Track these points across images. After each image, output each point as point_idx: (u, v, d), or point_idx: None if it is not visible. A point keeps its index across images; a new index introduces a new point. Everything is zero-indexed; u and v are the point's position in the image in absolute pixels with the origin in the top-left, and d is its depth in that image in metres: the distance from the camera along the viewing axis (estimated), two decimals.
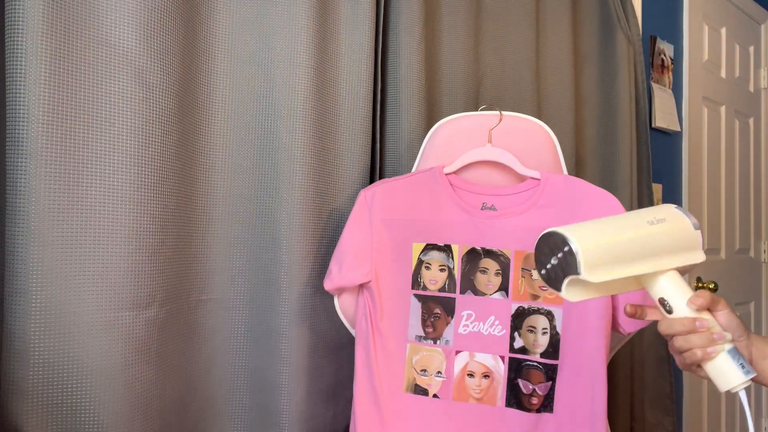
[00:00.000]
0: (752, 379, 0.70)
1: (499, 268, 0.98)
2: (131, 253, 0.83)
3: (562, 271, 0.68)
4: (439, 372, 0.98)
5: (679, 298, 0.70)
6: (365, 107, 1.13)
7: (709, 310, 0.70)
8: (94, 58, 0.81)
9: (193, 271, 0.96)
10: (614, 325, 0.96)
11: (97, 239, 0.80)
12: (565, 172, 1.09)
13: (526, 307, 0.97)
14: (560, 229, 0.67)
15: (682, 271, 0.72)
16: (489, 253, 0.99)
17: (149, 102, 0.85)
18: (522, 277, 0.98)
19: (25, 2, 0.74)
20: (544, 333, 0.96)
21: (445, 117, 1.11)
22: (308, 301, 1.03)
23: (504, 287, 0.98)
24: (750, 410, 0.71)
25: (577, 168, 1.52)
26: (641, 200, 1.70)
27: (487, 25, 1.37)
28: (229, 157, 1.00)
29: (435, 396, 0.98)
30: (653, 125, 1.95)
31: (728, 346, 0.69)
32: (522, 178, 1.03)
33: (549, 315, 0.96)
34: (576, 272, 0.66)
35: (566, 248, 0.66)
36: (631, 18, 1.68)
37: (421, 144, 1.12)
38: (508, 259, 0.98)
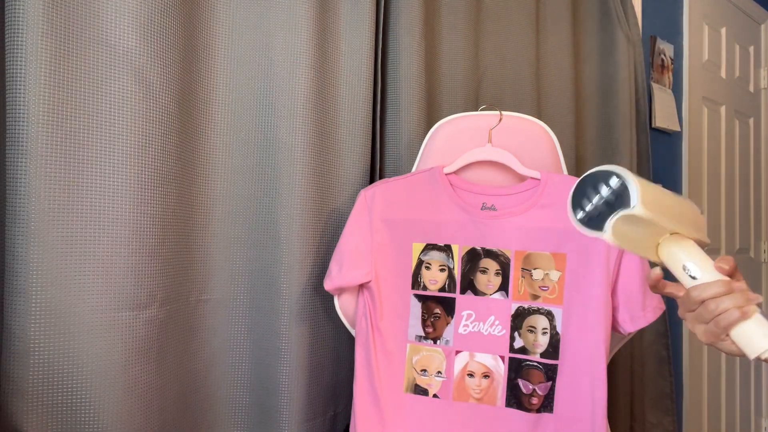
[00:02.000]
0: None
1: (499, 268, 0.98)
2: (131, 253, 0.83)
3: (609, 206, 0.67)
4: (439, 372, 0.98)
5: (704, 263, 0.69)
6: (365, 107, 1.13)
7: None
8: (94, 58, 0.81)
9: (193, 271, 0.96)
10: (614, 325, 0.96)
11: (97, 239, 0.80)
12: (565, 172, 1.09)
13: (526, 307, 0.97)
14: (610, 167, 0.67)
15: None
16: (489, 253, 0.99)
17: (149, 102, 0.85)
18: (522, 277, 0.98)
19: (25, 2, 0.74)
20: (544, 333, 0.96)
21: (445, 117, 1.11)
22: (308, 301, 1.03)
23: (504, 287, 0.98)
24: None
25: (577, 168, 1.52)
26: None
27: (487, 25, 1.37)
28: (229, 157, 1.00)
29: (435, 396, 0.98)
30: (653, 125, 1.95)
31: (758, 310, 0.67)
32: (522, 178, 1.03)
33: (549, 315, 0.96)
34: (628, 205, 0.65)
35: (620, 183, 0.66)
36: (631, 18, 1.68)
37: (421, 144, 1.12)
38: (508, 259, 0.98)
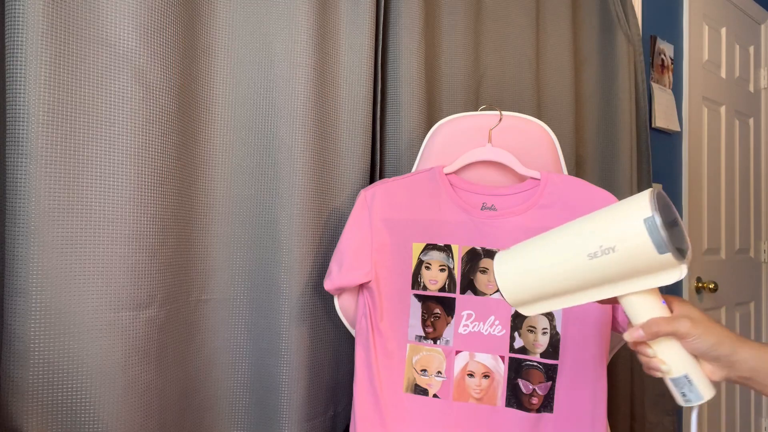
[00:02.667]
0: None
1: None
2: (131, 253, 0.83)
3: None
4: (439, 372, 0.98)
5: (637, 316, 0.66)
6: (365, 107, 1.13)
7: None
8: (94, 58, 0.81)
9: (193, 270, 0.96)
10: (614, 325, 0.96)
11: (97, 239, 0.80)
12: (565, 172, 1.09)
13: None
14: (495, 260, 0.69)
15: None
16: (489, 253, 0.99)
17: (149, 102, 0.85)
18: None
19: (25, 2, 0.74)
20: (544, 333, 0.96)
21: (445, 117, 1.12)
22: (308, 301, 1.03)
23: None
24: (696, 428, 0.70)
25: (577, 168, 1.52)
26: None
27: (487, 25, 1.37)
28: (229, 157, 1.00)
29: (435, 396, 0.98)
30: (653, 125, 1.96)
31: (673, 375, 0.66)
32: (522, 178, 1.03)
33: (549, 315, 0.96)
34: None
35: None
36: (631, 18, 1.68)
37: (421, 144, 1.12)
38: None
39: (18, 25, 0.74)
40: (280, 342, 1.00)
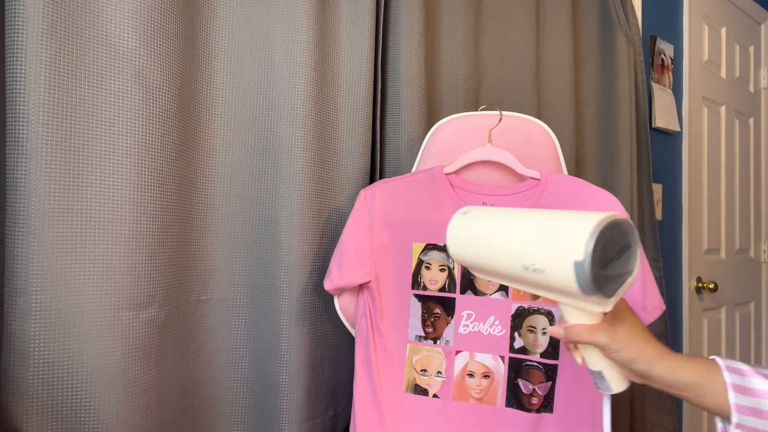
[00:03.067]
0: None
1: None
2: (131, 253, 0.83)
3: None
4: (439, 372, 0.98)
5: (566, 314, 0.66)
6: (365, 107, 1.13)
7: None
8: (94, 58, 0.81)
9: (193, 270, 0.96)
10: None
11: (97, 239, 0.80)
12: (565, 172, 1.09)
13: (526, 307, 0.97)
14: (453, 218, 0.72)
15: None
16: None
17: (149, 102, 0.85)
18: None
19: (25, 2, 0.74)
20: (544, 333, 0.96)
21: (445, 117, 1.11)
22: (308, 301, 1.03)
23: (504, 287, 0.98)
24: (609, 417, 0.71)
25: (577, 168, 1.52)
26: (641, 200, 1.70)
27: (487, 25, 1.37)
28: (229, 157, 1.00)
29: (435, 396, 0.98)
30: (653, 125, 1.96)
31: (589, 367, 0.68)
32: (522, 178, 1.03)
33: (549, 315, 0.96)
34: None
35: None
36: (631, 18, 1.68)
37: (421, 144, 1.12)
38: None
39: (18, 25, 0.74)
40: (280, 342, 1.00)
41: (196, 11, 0.96)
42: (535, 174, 1.01)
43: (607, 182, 1.60)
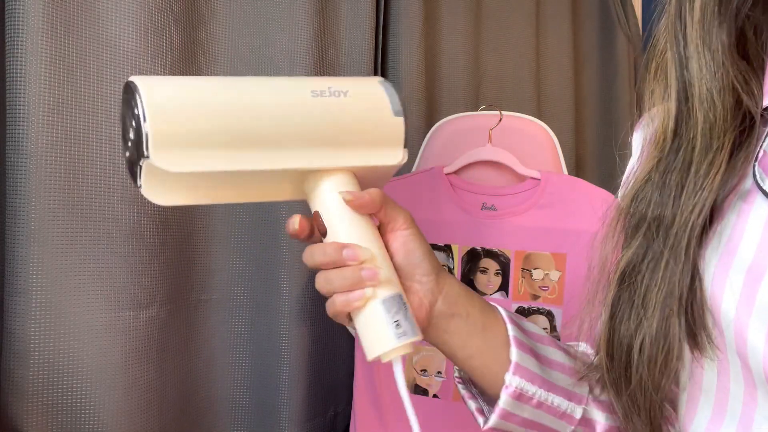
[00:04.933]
0: (426, 344, 0.51)
1: (499, 268, 0.98)
2: (131, 253, 0.83)
3: (136, 149, 0.41)
4: (439, 372, 0.98)
5: (340, 212, 0.47)
6: None
7: (382, 228, 0.50)
8: (94, 58, 0.81)
9: (194, 270, 0.96)
10: None
11: (98, 239, 0.80)
12: (565, 172, 1.09)
13: (526, 307, 0.97)
14: (136, 78, 0.41)
15: (367, 177, 0.49)
16: (489, 253, 0.99)
17: None
18: (522, 277, 0.97)
19: (25, 2, 0.74)
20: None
21: (445, 117, 1.11)
22: (308, 301, 1.03)
23: (504, 287, 0.98)
24: (406, 388, 0.54)
25: (577, 168, 1.52)
26: None
27: (487, 25, 1.37)
28: None
29: (435, 396, 0.98)
30: None
31: (387, 293, 0.47)
32: (522, 178, 1.03)
33: (549, 315, 0.96)
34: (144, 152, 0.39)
35: (136, 109, 0.40)
36: (631, 18, 1.68)
37: (421, 144, 1.12)
38: (508, 259, 0.98)
39: (18, 24, 0.74)
40: (280, 342, 1.00)
41: (196, 11, 0.96)
42: (535, 174, 1.01)
43: (607, 182, 1.59)
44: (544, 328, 0.96)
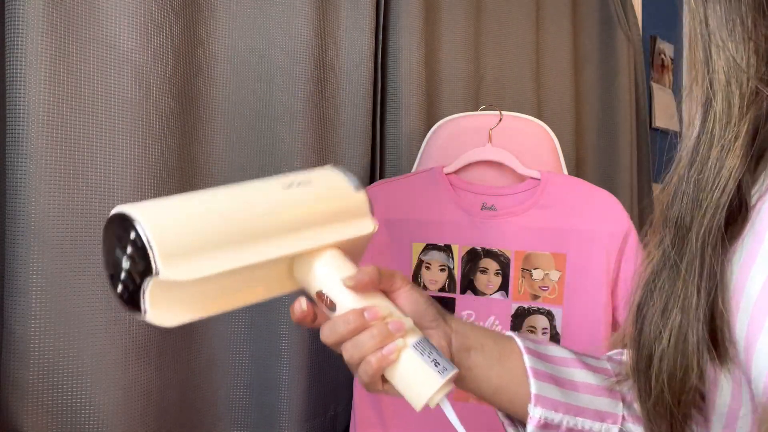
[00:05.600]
0: (455, 383, 0.53)
1: (499, 268, 0.98)
2: None
3: (137, 275, 0.43)
4: None
5: (340, 284, 0.50)
6: (365, 107, 1.13)
7: (384, 291, 0.52)
8: (94, 58, 0.81)
9: None
10: (614, 327, 0.96)
11: (98, 239, 0.80)
12: (565, 172, 1.09)
13: (526, 307, 0.97)
14: (125, 208, 0.43)
15: (348, 249, 0.53)
16: (489, 253, 0.99)
17: (149, 102, 0.85)
18: (522, 277, 0.98)
19: (25, 2, 0.74)
20: (544, 333, 0.96)
21: (445, 117, 1.11)
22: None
23: (504, 287, 0.98)
24: (461, 425, 0.55)
25: (577, 168, 1.52)
26: (641, 200, 1.70)
27: (487, 24, 1.37)
28: (229, 157, 1.00)
29: None
30: (653, 125, 1.96)
31: (414, 339, 0.49)
32: (522, 178, 1.03)
33: (549, 315, 0.96)
34: (151, 270, 0.41)
35: (133, 234, 0.42)
36: (631, 18, 1.68)
37: (421, 144, 1.12)
38: (508, 259, 0.98)
39: (18, 25, 0.74)
40: (280, 342, 1.00)
41: (196, 11, 0.96)
42: (535, 174, 1.01)
43: (607, 182, 1.60)
44: (544, 329, 0.96)
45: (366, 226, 0.53)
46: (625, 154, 1.60)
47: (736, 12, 0.38)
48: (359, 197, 0.53)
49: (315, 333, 1.04)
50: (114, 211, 0.44)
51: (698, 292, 0.38)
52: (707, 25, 0.38)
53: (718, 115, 0.38)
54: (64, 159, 0.78)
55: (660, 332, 0.41)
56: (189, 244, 0.43)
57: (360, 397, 0.98)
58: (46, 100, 0.75)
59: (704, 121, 0.39)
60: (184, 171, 0.93)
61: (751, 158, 0.37)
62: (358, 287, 0.49)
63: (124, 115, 0.82)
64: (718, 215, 0.37)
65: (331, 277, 0.50)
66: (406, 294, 0.52)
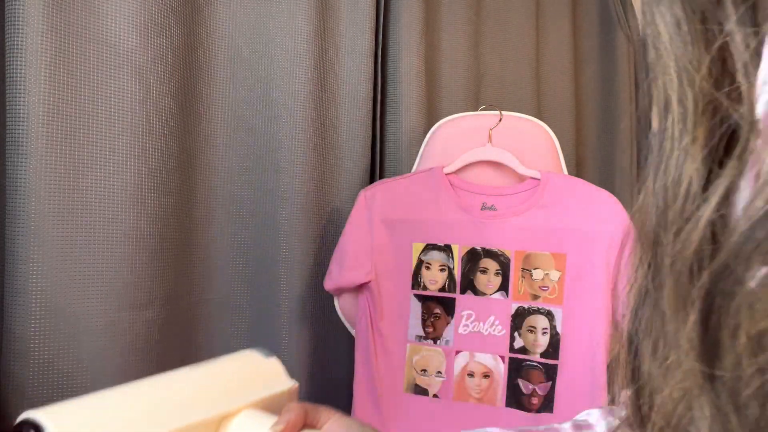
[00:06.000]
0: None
1: (499, 268, 0.98)
2: (131, 254, 0.83)
3: None
4: (439, 372, 0.98)
5: None
6: (365, 107, 1.13)
7: (312, 426, 0.52)
8: (94, 57, 0.81)
9: (194, 271, 0.96)
10: (614, 325, 0.96)
11: (98, 239, 0.80)
12: (565, 172, 1.09)
13: (526, 306, 0.97)
14: (35, 414, 0.46)
15: (269, 406, 0.54)
16: (489, 253, 0.99)
17: (149, 102, 0.85)
18: (522, 277, 0.98)
19: (25, 2, 0.74)
20: (544, 333, 0.96)
21: (445, 117, 1.11)
22: (308, 301, 1.03)
23: (504, 287, 0.98)
24: None
25: (577, 168, 1.52)
26: None
27: (487, 25, 1.37)
28: (229, 158, 1.00)
29: (435, 396, 0.98)
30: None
31: None
32: (522, 178, 1.03)
33: (549, 315, 0.96)
34: None
35: None
36: (631, 18, 1.68)
37: (421, 144, 1.12)
38: (508, 259, 0.98)
39: (18, 25, 0.74)
40: (280, 342, 1.00)
41: (196, 11, 0.96)
42: (535, 174, 1.01)
43: (606, 182, 1.60)
44: (544, 328, 0.96)
45: (282, 383, 0.56)
46: (625, 154, 1.61)
47: (683, 10, 0.34)
48: (270, 361, 0.57)
49: (315, 333, 1.05)
50: (22, 417, 0.46)
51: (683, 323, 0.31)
52: (656, 24, 0.35)
53: (675, 118, 0.32)
54: (64, 159, 0.78)
55: (650, 376, 0.34)
56: None
57: (360, 396, 0.98)
58: (46, 100, 0.75)
59: (664, 126, 0.34)
60: (184, 171, 0.93)
61: (713, 162, 0.31)
62: (288, 426, 0.49)
63: (124, 115, 0.82)
64: (696, 235, 0.30)
65: (252, 428, 0.52)
66: (336, 425, 0.52)
